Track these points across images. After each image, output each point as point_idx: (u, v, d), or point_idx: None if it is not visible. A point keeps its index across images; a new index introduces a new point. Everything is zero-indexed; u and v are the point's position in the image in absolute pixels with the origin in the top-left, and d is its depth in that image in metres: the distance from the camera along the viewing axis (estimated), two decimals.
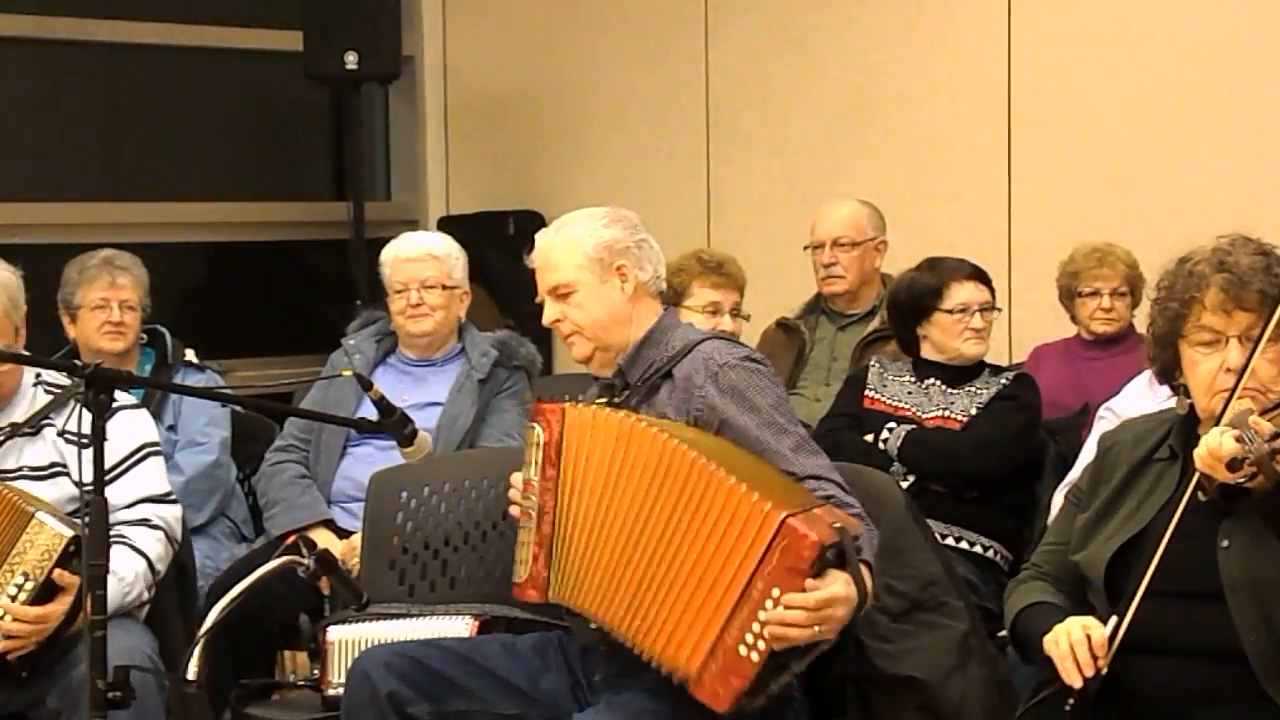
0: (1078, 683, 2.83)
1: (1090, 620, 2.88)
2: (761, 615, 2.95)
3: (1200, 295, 2.90)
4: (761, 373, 3.29)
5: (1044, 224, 5.79)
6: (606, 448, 3.17)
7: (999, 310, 4.51)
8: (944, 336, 4.44)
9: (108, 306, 4.89)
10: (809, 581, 2.93)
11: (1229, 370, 2.86)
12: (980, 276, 4.48)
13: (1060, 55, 5.79)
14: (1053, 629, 2.91)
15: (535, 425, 3.29)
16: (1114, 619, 2.84)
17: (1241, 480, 2.68)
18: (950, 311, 4.43)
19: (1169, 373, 3.00)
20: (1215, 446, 2.71)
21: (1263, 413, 2.74)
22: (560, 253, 3.39)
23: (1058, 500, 3.83)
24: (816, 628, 2.94)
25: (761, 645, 2.96)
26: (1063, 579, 3.08)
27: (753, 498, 2.97)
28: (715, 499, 3.01)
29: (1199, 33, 5.49)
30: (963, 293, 4.43)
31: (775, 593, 2.94)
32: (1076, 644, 2.84)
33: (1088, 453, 3.66)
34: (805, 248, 5.28)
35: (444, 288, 4.60)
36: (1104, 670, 2.83)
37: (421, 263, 4.62)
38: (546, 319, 3.42)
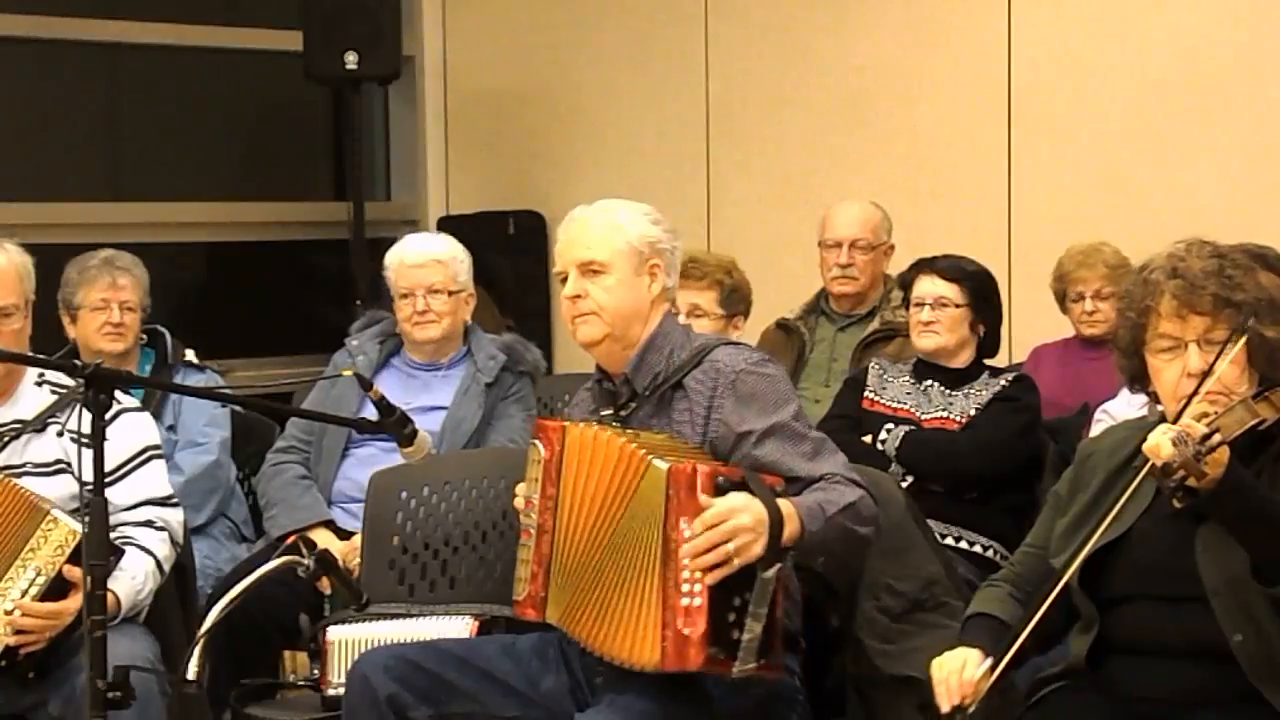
0: (945, 708, 2.89)
1: (973, 656, 2.94)
2: (684, 560, 3.01)
3: (1156, 304, 2.91)
4: (775, 378, 3.29)
5: (1044, 224, 5.79)
6: (605, 470, 3.16)
7: (959, 306, 4.46)
8: (910, 330, 4.49)
9: (108, 307, 4.88)
10: (702, 499, 3.00)
11: (1190, 375, 2.87)
12: (949, 272, 4.47)
13: (1060, 55, 5.79)
14: (944, 653, 2.98)
15: (537, 443, 3.28)
16: (990, 660, 2.90)
17: (1172, 484, 2.69)
18: (907, 305, 4.52)
19: (1139, 381, 3.02)
20: (1154, 447, 2.73)
21: (1224, 415, 2.76)
22: (601, 232, 3.34)
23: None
24: (730, 544, 2.99)
25: (698, 587, 3.01)
26: (1031, 580, 3.08)
27: (648, 459, 3.06)
28: (643, 481, 3.08)
29: (1199, 32, 5.49)
30: (919, 286, 4.47)
31: (686, 533, 3.01)
32: (950, 674, 2.92)
33: None
34: (820, 243, 5.26)
35: (450, 293, 4.56)
36: (970, 709, 2.88)
37: (426, 268, 4.56)
38: (568, 291, 3.34)
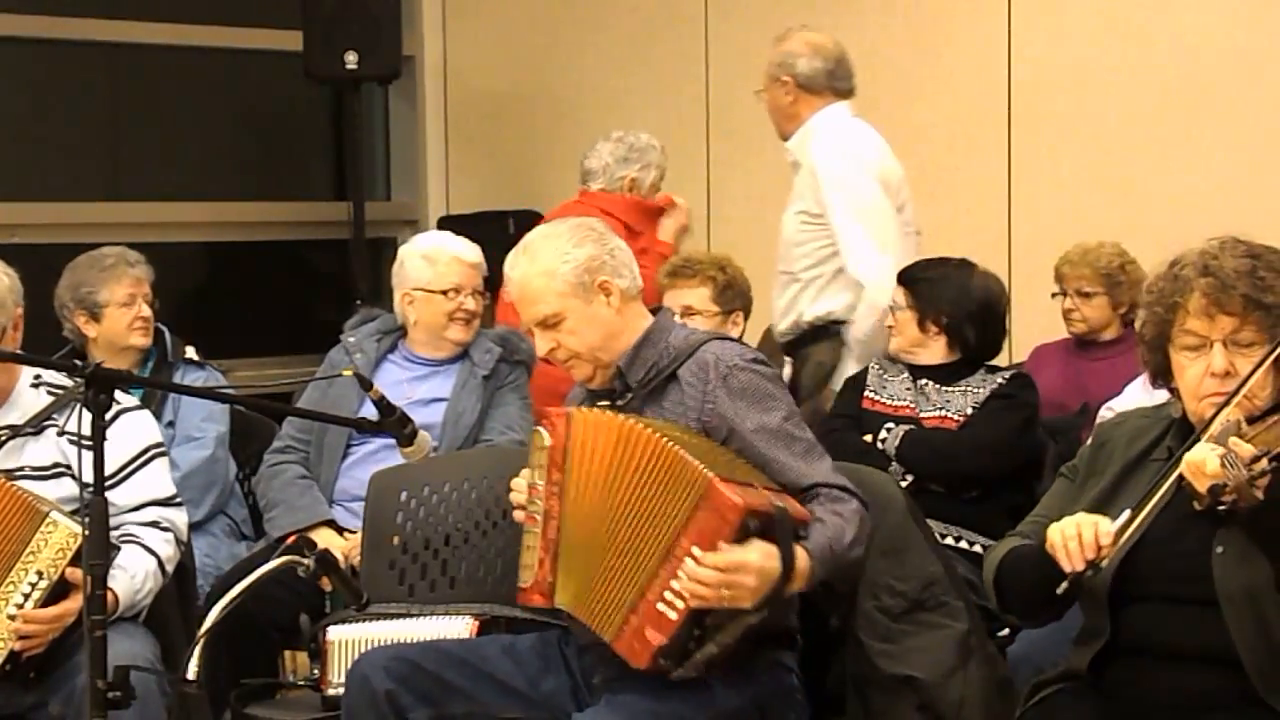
0: (1079, 565, 2.75)
1: (1102, 519, 2.80)
2: (681, 573, 3.01)
3: (1184, 300, 2.88)
4: (768, 376, 3.29)
5: (1044, 224, 5.79)
6: (608, 449, 3.17)
7: (903, 309, 4.46)
8: None
9: (134, 302, 4.90)
10: (722, 544, 2.98)
11: (1214, 375, 2.85)
12: (901, 276, 4.53)
13: (1060, 55, 5.79)
14: (1061, 520, 2.83)
15: (541, 430, 3.28)
16: (1127, 512, 2.78)
17: (1223, 507, 2.67)
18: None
19: (1162, 376, 2.99)
20: (1199, 463, 2.69)
21: (1249, 421, 2.73)
22: (539, 284, 3.32)
23: None
24: (724, 590, 2.99)
25: (680, 604, 3.01)
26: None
27: (694, 465, 3.03)
28: (676, 476, 3.06)
29: (1199, 32, 5.49)
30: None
31: (696, 552, 3.00)
32: (1084, 526, 2.77)
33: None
34: None
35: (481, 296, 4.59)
36: (1104, 563, 2.77)
37: (476, 269, 4.54)
38: (540, 350, 3.37)
